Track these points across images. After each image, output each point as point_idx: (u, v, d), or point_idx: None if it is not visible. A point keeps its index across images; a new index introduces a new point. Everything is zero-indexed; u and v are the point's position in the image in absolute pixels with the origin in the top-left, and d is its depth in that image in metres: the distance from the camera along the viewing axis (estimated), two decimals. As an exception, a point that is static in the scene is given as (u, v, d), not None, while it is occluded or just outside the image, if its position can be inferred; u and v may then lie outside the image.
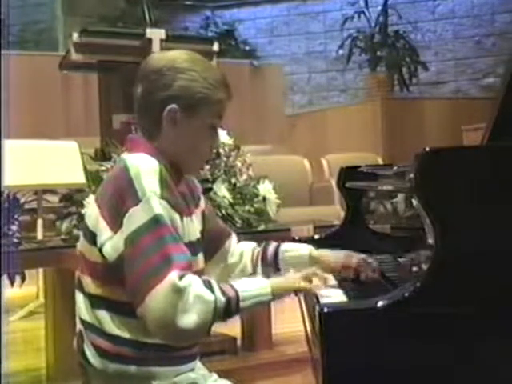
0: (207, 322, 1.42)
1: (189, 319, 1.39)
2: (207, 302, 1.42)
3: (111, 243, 1.47)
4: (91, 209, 1.56)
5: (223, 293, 1.45)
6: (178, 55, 1.60)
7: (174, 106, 1.55)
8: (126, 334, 1.51)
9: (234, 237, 1.84)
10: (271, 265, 1.79)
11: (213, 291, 1.43)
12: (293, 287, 1.58)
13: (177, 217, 1.50)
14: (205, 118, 1.59)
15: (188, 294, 1.39)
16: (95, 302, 1.54)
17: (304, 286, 1.58)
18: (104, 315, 1.52)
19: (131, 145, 1.62)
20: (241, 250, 1.82)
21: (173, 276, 1.39)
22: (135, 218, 1.44)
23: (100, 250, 1.49)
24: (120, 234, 1.46)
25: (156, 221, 1.44)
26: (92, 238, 1.51)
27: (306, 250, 1.83)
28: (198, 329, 1.41)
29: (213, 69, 1.63)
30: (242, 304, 1.47)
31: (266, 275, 1.69)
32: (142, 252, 1.42)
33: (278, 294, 1.53)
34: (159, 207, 1.45)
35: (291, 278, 1.63)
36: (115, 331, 1.51)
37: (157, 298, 1.39)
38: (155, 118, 1.57)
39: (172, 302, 1.39)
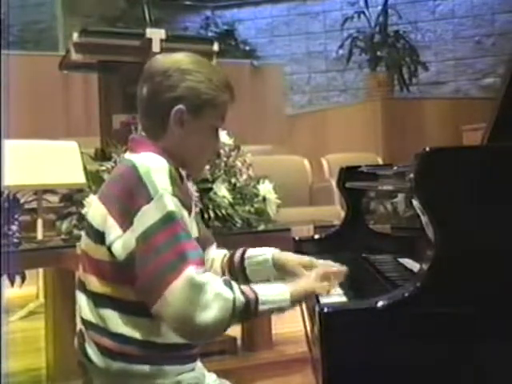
0: (225, 320, 1.42)
1: (207, 316, 1.40)
2: (226, 299, 1.42)
3: (121, 242, 1.47)
4: (96, 208, 1.56)
5: (242, 293, 1.45)
6: (183, 57, 1.62)
7: (181, 106, 1.57)
8: (130, 333, 1.51)
9: (214, 246, 1.83)
10: (238, 271, 1.78)
11: (232, 290, 1.44)
12: (312, 292, 1.56)
13: (186, 214, 1.52)
14: (209, 120, 1.61)
15: (207, 290, 1.40)
16: (100, 300, 1.54)
17: (322, 289, 1.57)
18: (108, 314, 1.52)
19: (135, 145, 1.63)
20: (212, 257, 1.82)
21: (190, 271, 1.40)
22: (148, 215, 1.45)
23: (109, 248, 1.49)
24: (130, 232, 1.46)
25: (169, 218, 1.45)
26: (98, 236, 1.51)
27: (269, 253, 1.80)
28: (215, 326, 1.42)
29: (217, 71, 1.65)
30: (260, 307, 1.47)
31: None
32: (155, 249, 1.43)
33: (296, 301, 1.53)
34: (172, 204, 1.46)
35: (306, 281, 1.60)
36: (120, 330, 1.51)
37: (174, 294, 1.39)
38: (161, 119, 1.58)
39: (190, 298, 1.39)
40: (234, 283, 1.47)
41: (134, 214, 1.45)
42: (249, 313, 1.46)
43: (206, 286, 1.40)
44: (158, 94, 1.58)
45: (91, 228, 1.54)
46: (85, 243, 1.57)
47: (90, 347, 1.56)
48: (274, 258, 1.78)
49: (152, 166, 1.50)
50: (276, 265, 1.76)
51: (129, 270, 1.46)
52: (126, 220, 1.47)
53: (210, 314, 1.40)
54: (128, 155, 1.61)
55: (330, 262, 1.75)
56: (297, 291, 1.53)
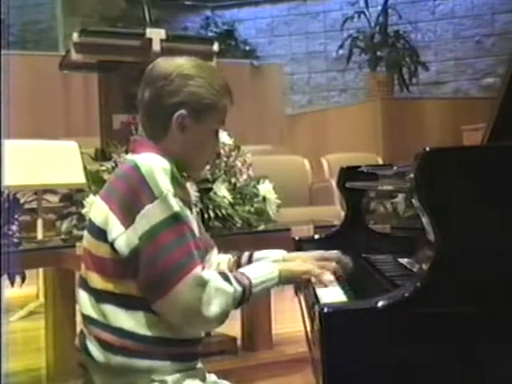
0: (227, 311, 1.52)
1: (211, 311, 1.48)
2: (227, 293, 1.50)
3: (123, 238, 1.51)
4: (98, 206, 1.59)
5: (239, 283, 1.53)
6: (185, 62, 1.65)
7: (183, 111, 1.61)
8: (131, 327, 1.54)
9: (215, 249, 1.86)
10: None
11: (231, 283, 1.52)
12: (300, 270, 1.64)
13: (189, 214, 1.56)
14: (210, 123, 1.66)
15: (210, 287, 1.48)
16: (101, 296, 1.56)
17: (310, 270, 1.63)
18: (109, 309, 1.55)
19: (136, 146, 1.67)
20: (218, 260, 1.86)
21: (197, 271, 1.48)
22: (152, 214, 1.49)
23: (112, 245, 1.52)
24: (132, 229, 1.50)
25: (176, 218, 1.50)
26: (100, 234, 1.55)
27: (278, 254, 1.84)
28: (218, 319, 1.51)
29: (217, 75, 1.68)
30: (254, 290, 1.56)
31: None
32: (163, 247, 1.48)
33: (284, 278, 1.62)
34: (176, 205, 1.51)
35: (297, 262, 1.71)
36: (120, 324, 1.54)
37: (183, 292, 1.46)
38: (163, 122, 1.62)
39: (197, 295, 1.47)
40: (230, 275, 1.55)
41: (137, 212, 1.49)
42: (245, 298, 1.55)
43: (209, 283, 1.48)
44: (160, 99, 1.61)
45: (93, 226, 1.57)
46: (87, 241, 1.60)
47: (91, 343, 1.58)
48: (285, 258, 1.82)
49: (154, 165, 1.53)
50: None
51: (131, 266, 1.51)
52: (127, 217, 1.50)
53: (213, 309, 1.48)
54: (130, 156, 1.65)
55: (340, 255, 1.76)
56: (285, 270, 1.63)
